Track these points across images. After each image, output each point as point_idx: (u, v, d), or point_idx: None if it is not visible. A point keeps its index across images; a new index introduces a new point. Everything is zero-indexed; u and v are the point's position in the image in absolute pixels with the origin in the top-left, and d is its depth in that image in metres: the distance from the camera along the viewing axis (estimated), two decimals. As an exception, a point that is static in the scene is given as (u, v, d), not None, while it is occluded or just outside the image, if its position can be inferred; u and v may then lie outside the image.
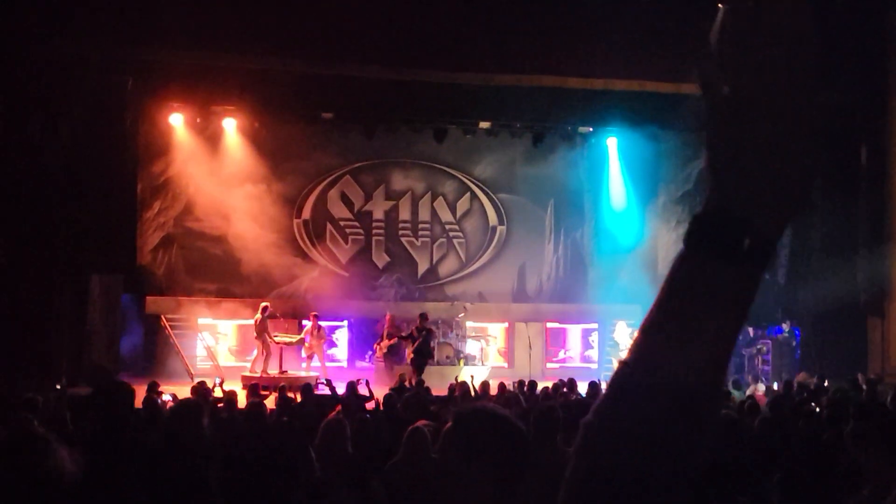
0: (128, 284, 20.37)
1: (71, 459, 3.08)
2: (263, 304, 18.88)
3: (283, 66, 18.53)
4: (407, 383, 13.21)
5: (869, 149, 19.75)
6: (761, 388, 17.08)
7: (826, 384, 14.64)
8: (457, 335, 20.87)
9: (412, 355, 18.18)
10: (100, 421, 5.59)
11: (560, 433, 6.20)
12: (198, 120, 21.02)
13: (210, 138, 21.15)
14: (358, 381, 12.77)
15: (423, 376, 15.74)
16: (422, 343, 18.26)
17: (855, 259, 19.60)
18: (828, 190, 19.90)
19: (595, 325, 22.26)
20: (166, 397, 11.61)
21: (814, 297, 19.81)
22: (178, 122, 20.88)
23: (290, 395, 12.12)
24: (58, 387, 13.87)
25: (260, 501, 4.85)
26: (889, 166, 19.21)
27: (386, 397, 10.69)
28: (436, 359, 20.20)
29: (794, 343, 19.90)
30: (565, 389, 12.84)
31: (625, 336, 19.23)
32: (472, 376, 15.17)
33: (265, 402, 10.19)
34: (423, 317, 18.83)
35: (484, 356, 21.25)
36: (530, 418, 6.18)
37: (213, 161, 21.01)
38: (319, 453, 5.98)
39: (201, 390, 12.28)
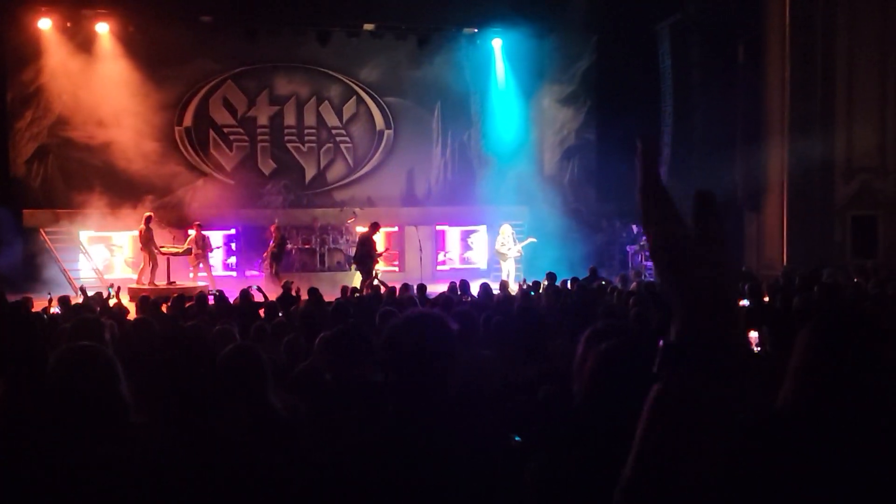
0: (2, 197, 19.66)
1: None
2: (147, 214, 18.52)
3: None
4: (293, 291, 13.19)
5: (746, 47, 20.21)
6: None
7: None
8: (347, 241, 20.88)
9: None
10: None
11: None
12: (68, 24, 20.15)
13: (82, 44, 20.30)
14: (249, 287, 12.80)
15: (315, 283, 15.78)
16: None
17: (733, 155, 20.20)
18: (707, 89, 20.38)
19: (483, 227, 22.52)
20: (55, 310, 11.38)
21: (694, 193, 20.36)
22: (46, 26, 19.96)
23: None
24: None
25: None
26: (764, 64, 19.72)
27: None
28: (326, 265, 20.35)
29: (675, 239, 20.49)
30: (459, 292, 13.00)
31: (508, 238, 19.45)
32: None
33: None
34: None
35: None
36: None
37: (86, 68, 20.22)
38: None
39: (97, 301, 12.10)
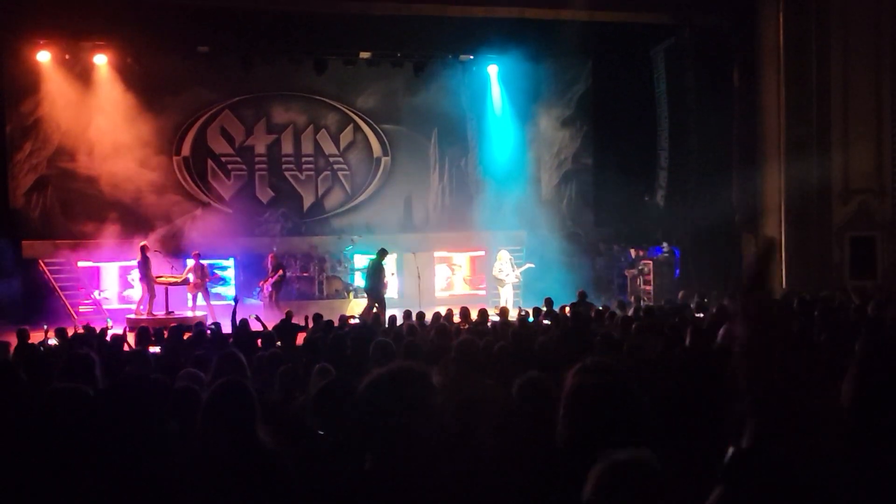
0: (2, 229, 19.69)
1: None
2: (142, 243, 18.55)
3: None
4: (293, 320, 13.21)
5: (741, 70, 20.26)
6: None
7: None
8: (345, 269, 20.89)
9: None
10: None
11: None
12: (66, 56, 20.23)
13: (81, 75, 20.39)
14: (245, 316, 12.83)
15: (313, 311, 15.78)
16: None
17: (729, 178, 20.21)
18: (702, 112, 20.42)
19: (482, 253, 22.50)
20: (52, 341, 11.38)
21: (691, 217, 20.44)
22: (45, 58, 20.04)
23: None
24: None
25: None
26: (759, 87, 19.76)
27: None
28: (325, 292, 20.34)
29: (673, 262, 20.51)
30: (460, 319, 12.99)
31: (506, 264, 19.44)
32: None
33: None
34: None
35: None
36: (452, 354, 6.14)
37: (85, 99, 20.32)
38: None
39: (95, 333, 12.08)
